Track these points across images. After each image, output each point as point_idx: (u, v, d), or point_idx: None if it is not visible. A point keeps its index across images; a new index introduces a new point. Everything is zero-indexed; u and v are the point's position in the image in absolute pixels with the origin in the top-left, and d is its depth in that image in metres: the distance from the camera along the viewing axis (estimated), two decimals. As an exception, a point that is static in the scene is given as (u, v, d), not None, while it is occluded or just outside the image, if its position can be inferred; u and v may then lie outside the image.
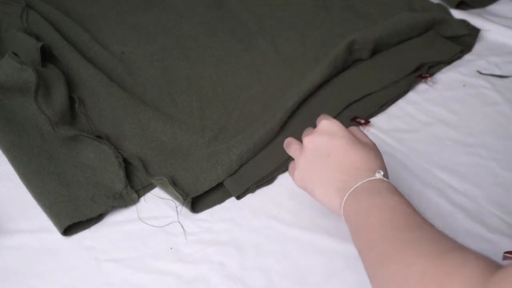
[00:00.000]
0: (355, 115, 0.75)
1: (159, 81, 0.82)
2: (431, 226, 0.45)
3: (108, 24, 0.94)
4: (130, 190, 0.65)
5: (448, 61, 0.85)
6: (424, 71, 0.82)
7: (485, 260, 0.39)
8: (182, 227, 0.62)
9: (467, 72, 0.84)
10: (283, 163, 0.68)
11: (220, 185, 0.66)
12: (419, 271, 0.40)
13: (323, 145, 0.54)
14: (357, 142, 0.53)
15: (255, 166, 0.67)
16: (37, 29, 0.88)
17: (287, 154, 0.59)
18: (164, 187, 0.65)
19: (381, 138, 0.73)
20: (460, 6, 0.95)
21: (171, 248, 0.60)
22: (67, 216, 0.61)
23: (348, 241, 0.59)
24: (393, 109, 0.78)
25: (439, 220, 0.60)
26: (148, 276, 0.57)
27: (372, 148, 0.54)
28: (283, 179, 0.68)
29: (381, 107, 0.77)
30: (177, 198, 0.63)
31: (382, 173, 0.51)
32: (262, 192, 0.66)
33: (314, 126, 0.57)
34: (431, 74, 0.82)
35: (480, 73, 0.84)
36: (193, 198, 0.63)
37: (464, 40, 0.89)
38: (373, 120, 0.76)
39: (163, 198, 0.65)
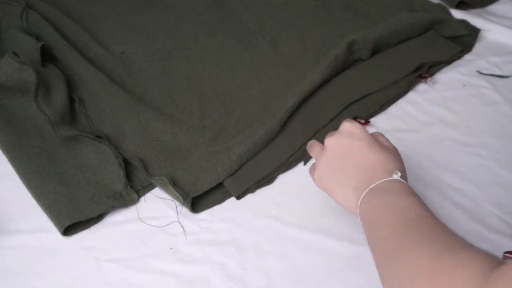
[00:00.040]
0: (355, 115, 0.75)
1: (159, 81, 0.82)
2: (444, 227, 0.45)
3: (108, 24, 0.94)
4: (130, 190, 0.65)
5: (448, 61, 0.85)
6: (424, 71, 0.82)
7: (489, 257, 0.39)
8: (182, 227, 0.62)
9: (467, 72, 0.84)
10: (283, 163, 0.68)
11: (220, 185, 0.66)
12: (424, 267, 0.40)
13: (343, 146, 0.55)
14: (377, 144, 0.54)
15: (255, 166, 0.67)
16: (37, 29, 0.88)
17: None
18: (164, 187, 0.65)
19: (381, 138, 0.73)
20: (460, 6, 0.95)
21: (171, 248, 0.60)
22: (67, 216, 0.61)
23: (348, 241, 0.60)
24: (393, 109, 0.78)
25: (439, 220, 0.60)
26: (148, 276, 0.57)
27: (392, 151, 0.55)
28: (283, 179, 0.68)
29: (381, 107, 0.77)
30: (177, 198, 0.63)
31: (400, 174, 0.51)
32: (262, 192, 0.66)
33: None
34: (431, 74, 0.82)
35: (480, 73, 0.84)
36: (193, 198, 0.63)
37: (464, 40, 0.89)
38: (373, 120, 0.76)
39: (163, 198, 0.65)
